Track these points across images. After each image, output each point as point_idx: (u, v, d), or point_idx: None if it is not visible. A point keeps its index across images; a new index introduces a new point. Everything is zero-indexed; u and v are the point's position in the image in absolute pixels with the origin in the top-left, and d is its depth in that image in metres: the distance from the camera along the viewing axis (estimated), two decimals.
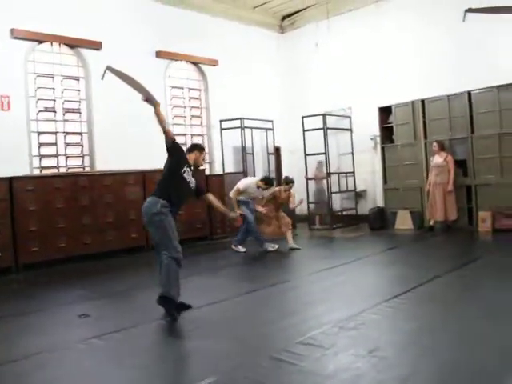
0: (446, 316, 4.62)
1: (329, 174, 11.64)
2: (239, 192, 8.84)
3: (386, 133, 11.32)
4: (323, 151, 11.54)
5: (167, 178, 5.21)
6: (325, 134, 11.56)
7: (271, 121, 12.03)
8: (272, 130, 12.06)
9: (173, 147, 5.28)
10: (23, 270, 8.01)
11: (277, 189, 9.22)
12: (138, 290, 6.44)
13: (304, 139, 11.70)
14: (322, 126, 11.55)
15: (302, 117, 11.69)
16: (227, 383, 3.38)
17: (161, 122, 5.26)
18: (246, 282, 6.87)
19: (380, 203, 11.65)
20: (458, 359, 3.56)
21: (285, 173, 13.32)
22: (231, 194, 8.95)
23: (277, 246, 8.90)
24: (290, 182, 9.10)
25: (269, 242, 8.97)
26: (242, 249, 8.97)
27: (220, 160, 11.64)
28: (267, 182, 8.93)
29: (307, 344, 3.95)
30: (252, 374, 3.46)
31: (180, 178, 5.19)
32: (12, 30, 9.04)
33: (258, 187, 8.88)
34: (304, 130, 11.66)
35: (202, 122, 12.21)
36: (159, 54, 11.19)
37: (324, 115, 11.61)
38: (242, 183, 9.00)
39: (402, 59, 11.61)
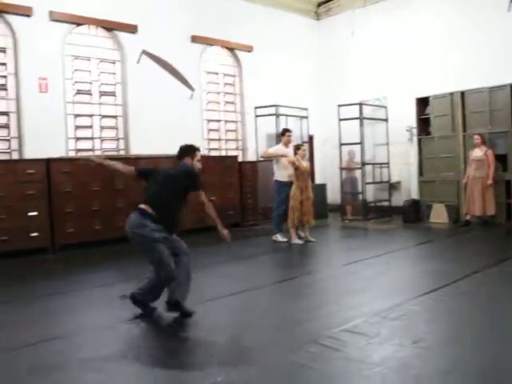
0: (487, 311, 4.53)
1: (363, 165, 11.48)
2: (268, 153, 8.91)
3: (423, 124, 11.09)
4: (357, 141, 11.37)
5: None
6: (361, 124, 11.39)
7: (306, 109, 11.89)
8: (306, 118, 11.93)
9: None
10: (59, 251, 8.08)
11: (294, 159, 8.66)
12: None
13: (339, 128, 11.54)
14: (356, 116, 11.37)
15: (338, 105, 11.52)
16: (275, 368, 3.36)
17: None
18: (281, 270, 6.84)
19: (414, 195, 11.44)
20: (499, 354, 3.49)
21: (318, 162, 13.23)
22: (263, 154, 9.32)
23: (286, 239, 8.59)
24: (300, 146, 8.84)
25: (282, 233, 8.70)
26: (281, 238, 8.67)
27: (253, 147, 11.57)
28: (284, 130, 9.06)
29: (351, 332, 3.93)
30: (299, 358, 3.44)
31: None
32: (51, 13, 9.08)
33: (286, 144, 8.83)
34: (340, 119, 11.50)
35: (235, 109, 12.14)
36: (194, 39, 11.14)
37: (360, 104, 11.42)
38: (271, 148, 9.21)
39: (440, 49, 11.33)
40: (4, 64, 8.75)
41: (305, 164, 8.62)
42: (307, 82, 13.25)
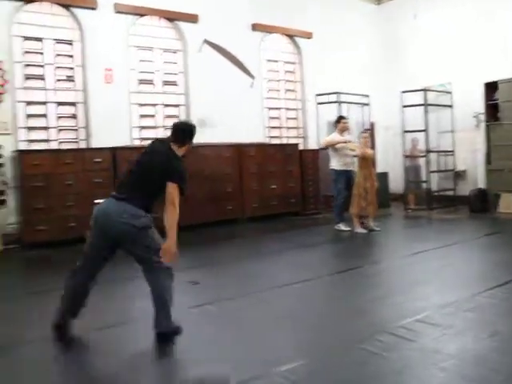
0: None
1: (428, 152, 11.15)
2: (327, 141, 8.74)
3: (491, 110, 10.64)
4: (421, 128, 11.05)
5: None
6: (425, 111, 11.05)
7: (367, 95, 11.66)
8: (368, 105, 11.70)
9: None
10: None
11: (355, 145, 8.57)
12: (239, 261, 6.53)
13: (403, 115, 11.25)
14: (420, 102, 11.05)
15: (402, 92, 11.20)
16: (346, 355, 3.33)
17: None
18: (345, 260, 6.75)
19: (481, 184, 11.02)
20: None
21: (379, 150, 12.90)
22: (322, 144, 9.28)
23: (349, 229, 8.45)
24: (366, 131, 8.61)
25: (345, 223, 8.56)
26: (344, 227, 8.52)
27: (314, 135, 11.46)
28: (339, 117, 8.95)
29: (424, 322, 3.83)
30: (371, 347, 3.38)
31: None
32: (115, 5, 9.27)
33: (341, 131, 8.70)
34: (403, 106, 11.20)
35: (296, 96, 12.05)
36: (255, 27, 11.10)
37: (425, 90, 11.08)
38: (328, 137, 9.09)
39: (509, 31, 10.81)
40: (71, 56, 9.01)
41: (369, 151, 8.46)
42: (368, 68, 12.96)
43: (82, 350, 3.73)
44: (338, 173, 8.56)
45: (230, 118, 10.11)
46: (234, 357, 3.39)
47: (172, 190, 3.63)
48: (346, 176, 8.55)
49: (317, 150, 10.92)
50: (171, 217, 3.60)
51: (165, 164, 3.73)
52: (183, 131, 4.02)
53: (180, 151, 3.89)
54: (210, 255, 7.04)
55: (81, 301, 3.81)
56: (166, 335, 3.67)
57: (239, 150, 9.76)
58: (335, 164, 8.62)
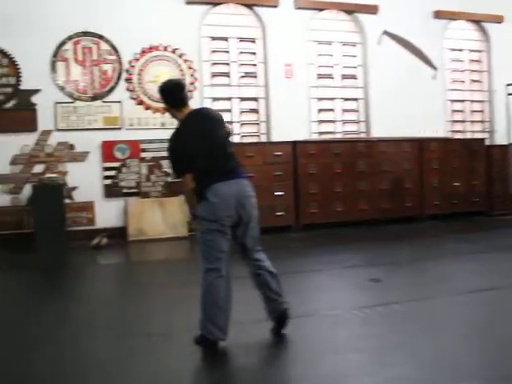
0: None
1: None
2: None
3: None
4: None
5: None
6: None
7: None
8: None
9: None
10: (302, 230, 8.37)
11: None
12: (422, 261, 6.18)
13: None
14: None
15: None
16: None
17: None
18: None
19: None
20: None
21: None
22: None
23: None
24: None
25: None
26: None
27: (504, 129, 10.52)
28: None
29: None
30: None
31: None
32: (295, 1, 9.37)
33: None
34: None
35: (482, 87, 11.16)
36: (437, 15, 10.46)
37: None
38: None
39: None
40: (254, 53, 9.33)
41: None
42: None
43: None
44: None
45: (410, 111, 9.65)
46: (420, 362, 3.16)
47: None
48: None
49: (506, 146, 10.01)
50: None
51: None
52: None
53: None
54: (388, 253, 6.79)
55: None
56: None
57: (420, 144, 9.34)
58: None
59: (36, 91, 8.08)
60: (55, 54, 8.19)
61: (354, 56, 9.98)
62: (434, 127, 10.02)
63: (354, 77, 9.96)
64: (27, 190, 7.96)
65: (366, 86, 9.94)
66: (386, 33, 9.84)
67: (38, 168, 8.09)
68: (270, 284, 3.55)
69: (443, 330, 3.74)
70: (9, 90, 7.98)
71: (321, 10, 9.73)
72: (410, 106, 9.72)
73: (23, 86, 8.05)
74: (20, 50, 7.96)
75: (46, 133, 8.14)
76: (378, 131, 9.70)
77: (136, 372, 3.15)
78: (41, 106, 8.10)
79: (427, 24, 10.35)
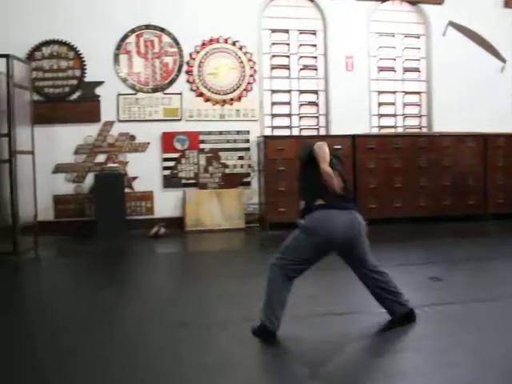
0: None
1: None
2: None
3: None
4: None
5: None
6: None
7: None
8: None
9: None
10: None
11: None
12: (485, 261, 5.96)
13: None
14: None
15: None
16: None
17: None
18: None
19: None
20: None
21: None
22: None
23: None
24: None
25: None
26: None
27: None
28: None
29: None
30: None
31: None
32: None
33: None
34: None
35: None
36: (507, 4, 9.99)
37: None
38: None
39: None
40: (315, 45, 9.23)
41: None
42: None
43: None
44: None
45: (476, 105, 9.30)
46: (483, 365, 3.02)
47: None
48: None
49: None
50: None
51: None
52: None
53: None
54: (450, 251, 6.55)
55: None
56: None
57: (484, 140, 8.96)
58: None
59: (100, 83, 8.32)
60: (118, 47, 8.40)
61: (418, 48, 9.70)
62: (500, 122, 9.62)
63: (416, 70, 9.69)
64: (89, 179, 8.23)
65: (428, 79, 9.64)
66: (451, 24, 9.51)
67: (100, 158, 8.35)
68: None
69: (506, 334, 3.57)
70: (74, 82, 8.25)
71: (383, 0, 9.50)
72: (474, 101, 9.36)
73: (87, 78, 8.31)
74: (85, 44, 8.23)
75: (109, 124, 8.37)
76: (441, 126, 9.39)
77: (196, 361, 3.19)
78: (104, 97, 8.34)
79: (496, 14, 9.91)
